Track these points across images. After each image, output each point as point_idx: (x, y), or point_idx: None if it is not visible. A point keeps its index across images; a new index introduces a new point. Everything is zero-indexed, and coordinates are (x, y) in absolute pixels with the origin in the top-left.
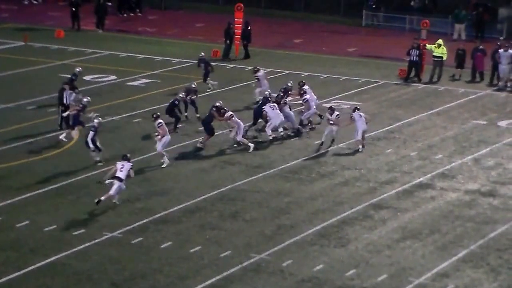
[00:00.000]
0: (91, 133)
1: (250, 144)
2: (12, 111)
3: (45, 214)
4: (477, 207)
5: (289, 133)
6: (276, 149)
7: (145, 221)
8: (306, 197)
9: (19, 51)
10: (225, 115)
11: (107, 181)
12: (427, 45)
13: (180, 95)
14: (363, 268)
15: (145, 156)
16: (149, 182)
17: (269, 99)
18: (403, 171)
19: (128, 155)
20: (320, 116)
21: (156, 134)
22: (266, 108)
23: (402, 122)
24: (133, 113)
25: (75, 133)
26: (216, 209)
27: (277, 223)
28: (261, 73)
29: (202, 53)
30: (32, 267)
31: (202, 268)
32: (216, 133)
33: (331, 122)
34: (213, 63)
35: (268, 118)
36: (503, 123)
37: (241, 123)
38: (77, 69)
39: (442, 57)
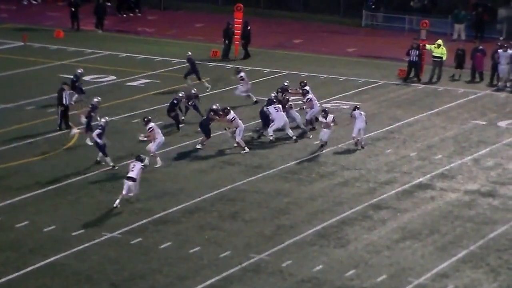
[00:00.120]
0: (97, 131)
1: (246, 148)
2: (11, 111)
3: (45, 214)
4: (476, 207)
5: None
6: (276, 150)
7: (144, 221)
8: (305, 198)
9: (19, 51)
10: (227, 116)
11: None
12: (426, 45)
13: (180, 95)
14: (363, 268)
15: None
16: (148, 182)
17: (274, 100)
18: (403, 171)
19: (142, 155)
20: (317, 119)
21: (143, 135)
22: (271, 109)
23: (402, 122)
24: (133, 113)
25: (89, 137)
26: (215, 209)
27: (277, 223)
28: (244, 73)
29: (189, 53)
30: (32, 267)
31: (201, 269)
32: (215, 134)
33: (326, 125)
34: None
35: (272, 119)
36: (502, 124)
37: (242, 125)
38: (79, 71)
39: (441, 57)
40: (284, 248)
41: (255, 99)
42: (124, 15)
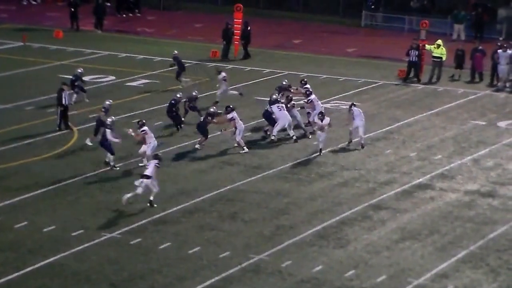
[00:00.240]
0: (108, 131)
1: (245, 147)
2: (10, 111)
3: (44, 214)
4: (476, 207)
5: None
6: (275, 150)
7: (144, 221)
8: (305, 198)
9: (18, 52)
10: (228, 115)
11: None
12: (426, 45)
13: (178, 95)
14: (362, 268)
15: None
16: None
17: (278, 100)
18: (402, 171)
19: (159, 154)
20: (309, 122)
21: (132, 131)
22: (273, 108)
23: (401, 122)
24: (132, 113)
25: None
26: (215, 209)
27: (276, 223)
28: (225, 73)
29: (175, 51)
30: (31, 267)
31: (201, 269)
32: (215, 134)
33: (321, 128)
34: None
35: (275, 118)
36: (502, 124)
37: (242, 125)
38: (79, 70)
39: (441, 58)
40: (283, 249)
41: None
42: (124, 15)
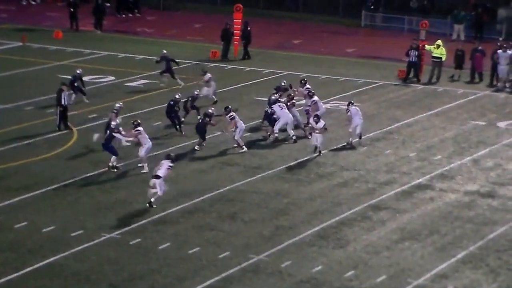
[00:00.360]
0: (118, 134)
1: (244, 147)
2: (10, 111)
3: (44, 215)
4: (476, 208)
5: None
6: (275, 150)
7: (143, 222)
8: (304, 198)
9: (17, 52)
10: (228, 115)
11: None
12: (426, 45)
13: (176, 96)
14: (362, 269)
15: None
16: (147, 183)
17: (279, 99)
18: (402, 172)
19: (172, 154)
20: (305, 125)
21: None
22: (275, 107)
23: (401, 123)
24: (131, 114)
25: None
26: (214, 210)
27: (276, 224)
28: (210, 74)
29: (165, 51)
30: (31, 268)
31: (200, 269)
32: (215, 134)
33: (316, 131)
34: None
35: (276, 117)
36: (502, 124)
37: (242, 124)
38: (78, 71)
39: (441, 58)
40: (283, 249)
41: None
42: (123, 16)
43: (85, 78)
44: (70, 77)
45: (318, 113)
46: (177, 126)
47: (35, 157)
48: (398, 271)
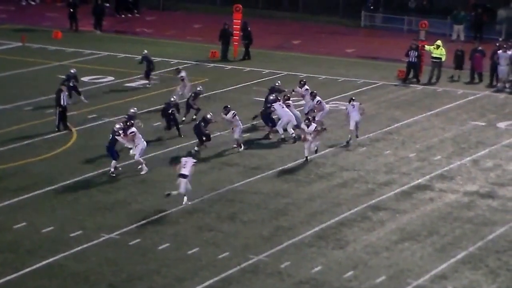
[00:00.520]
0: (120, 138)
1: (242, 145)
2: (9, 112)
3: (43, 215)
4: (475, 208)
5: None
6: (274, 150)
7: (142, 222)
8: (304, 199)
9: (17, 52)
10: (227, 115)
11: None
12: (426, 46)
13: (172, 99)
14: (361, 269)
15: (142, 157)
16: (147, 183)
17: (278, 98)
18: (402, 172)
19: (193, 151)
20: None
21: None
22: (276, 106)
23: (401, 123)
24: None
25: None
26: (214, 210)
27: (275, 224)
28: (184, 73)
29: (146, 51)
30: (30, 268)
31: (200, 270)
32: (214, 135)
33: (308, 134)
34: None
35: (278, 116)
36: (502, 125)
37: (241, 124)
38: (72, 71)
39: (441, 58)
40: (282, 249)
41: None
42: (123, 16)
43: (84, 79)
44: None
45: (322, 113)
46: (170, 128)
47: (34, 158)
48: (397, 272)
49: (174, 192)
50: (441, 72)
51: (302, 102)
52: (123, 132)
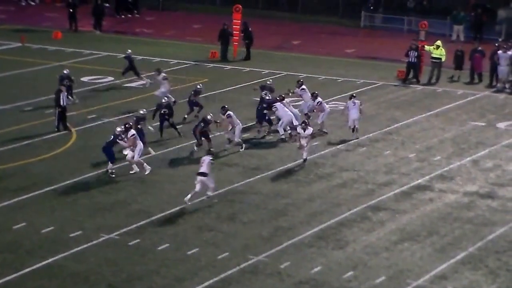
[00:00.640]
0: (122, 142)
1: (243, 145)
2: (9, 112)
3: (42, 215)
4: (475, 209)
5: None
6: (274, 151)
7: (142, 222)
8: (304, 199)
9: (16, 52)
10: (225, 115)
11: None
12: (425, 46)
13: (163, 101)
14: (361, 270)
15: (142, 157)
16: (146, 183)
17: (278, 98)
18: (401, 172)
19: (212, 149)
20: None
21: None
22: (277, 105)
23: (401, 123)
24: (131, 114)
25: (150, 149)
26: (213, 210)
27: (275, 225)
28: (164, 74)
29: (129, 50)
30: (29, 269)
31: (199, 270)
32: (213, 135)
33: (303, 139)
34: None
35: (278, 116)
36: (501, 125)
37: (240, 124)
38: (65, 71)
39: (440, 59)
40: (282, 250)
41: (173, 99)
42: (122, 16)
43: (84, 79)
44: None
45: (323, 114)
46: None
47: (34, 158)
48: (397, 272)
49: (189, 196)
50: (441, 72)
51: (302, 102)
52: (125, 137)
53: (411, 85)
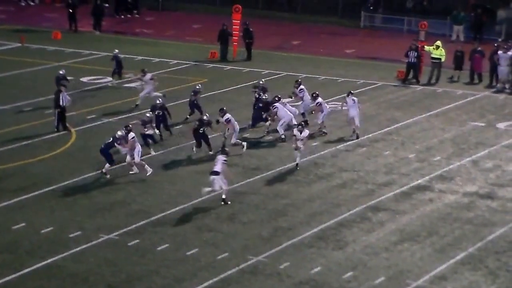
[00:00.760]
0: (120, 147)
1: (243, 143)
2: (8, 112)
3: (42, 216)
4: (475, 209)
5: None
6: (274, 151)
7: (141, 223)
8: (303, 199)
9: (16, 53)
10: (223, 117)
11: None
12: (425, 46)
13: (157, 102)
14: (361, 270)
15: (142, 157)
16: (146, 183)
17: (277, 98)
18: (401, 173)
19: (227, 149)
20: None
21: (124, 147)
22: (278, 105)
23: (400, 124)
24: (130, 115)
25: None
26: (213, 211)
27: (275, 225)
28: (150, 74)
29: (116, 50)
30: (29, 269)
31: (199, 270)
32: (212, 136)
33: (298, 140)
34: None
35: (277, 116)
36: (501, 125)
37: (237, 126)
38: (60, 72)
39: (440, 59)
40: (282, 250)
41: (138, 103)
42: (122, 16)
43: (83, 79)
44: (69, 78)
45: (323, 114)
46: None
47: (33, 158)
48: (397, 273)
49: (208, 189)
50: (441, 72)
51: (301, 102)
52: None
53: (411, 86)
